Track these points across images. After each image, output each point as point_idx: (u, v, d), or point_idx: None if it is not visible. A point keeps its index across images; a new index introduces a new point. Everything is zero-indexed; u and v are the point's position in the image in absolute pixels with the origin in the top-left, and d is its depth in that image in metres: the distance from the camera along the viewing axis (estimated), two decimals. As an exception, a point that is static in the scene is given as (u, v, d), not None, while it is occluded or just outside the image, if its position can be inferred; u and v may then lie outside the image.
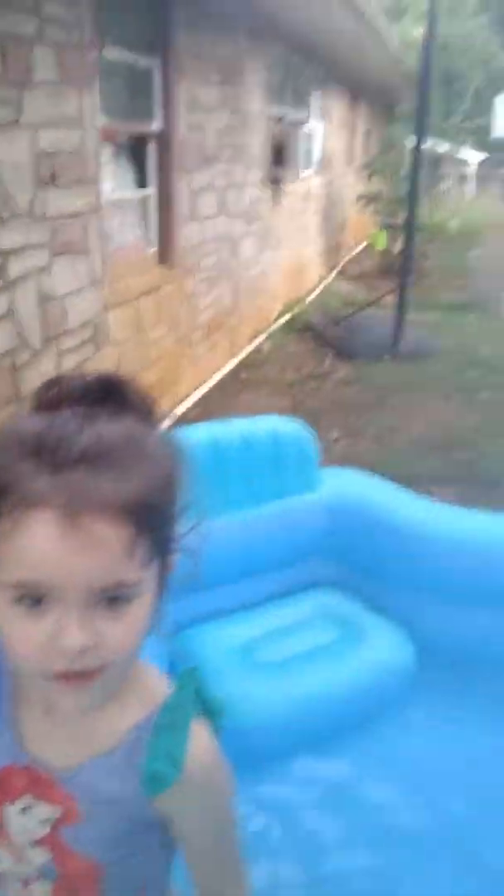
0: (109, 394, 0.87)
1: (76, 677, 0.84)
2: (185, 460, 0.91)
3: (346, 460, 5.17)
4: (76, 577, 0.80)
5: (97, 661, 0.84)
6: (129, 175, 5.29)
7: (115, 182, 5.06)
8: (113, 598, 0.83)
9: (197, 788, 0.96)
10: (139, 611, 0.86)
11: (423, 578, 2.97)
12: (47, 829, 0.96)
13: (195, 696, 0.98)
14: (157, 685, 1.00)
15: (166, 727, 0.95)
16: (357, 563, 3.17)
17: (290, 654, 2.74)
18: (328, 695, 2.60)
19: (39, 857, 0.98)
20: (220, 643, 2.75)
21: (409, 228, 7.99)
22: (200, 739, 0.96)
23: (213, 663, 2.63)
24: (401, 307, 7.94)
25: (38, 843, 0.97)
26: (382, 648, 2.80)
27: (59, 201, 3.94)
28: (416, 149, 7.87)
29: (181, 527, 0.92)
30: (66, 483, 0.79)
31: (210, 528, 2.59)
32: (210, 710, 1.00)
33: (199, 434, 2.89)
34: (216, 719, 1.00)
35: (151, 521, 0.83)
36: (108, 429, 0.82)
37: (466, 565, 2.90)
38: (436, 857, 2.21)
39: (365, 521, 3.11)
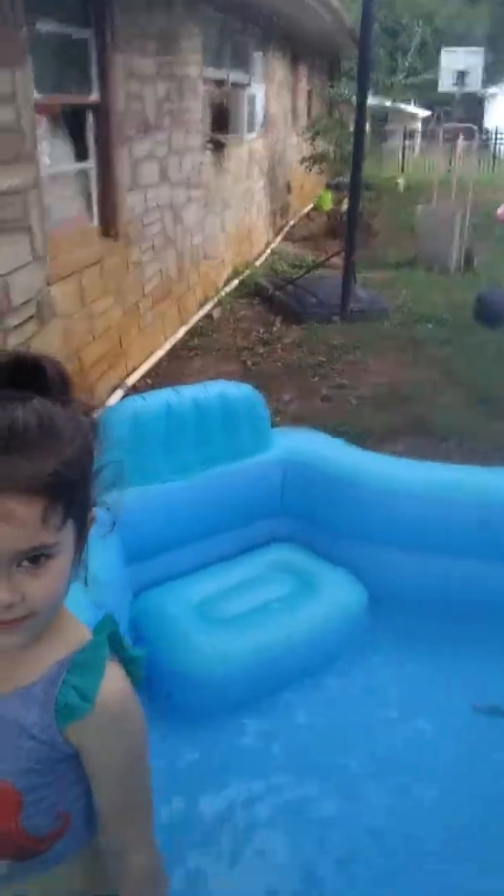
0: (22, 375, 0.95)
1: (5, 624, 0.96)
2: (101, 429, 1.02)
3: (298, 420, 5.30)
4: None
5: (24, 611, 0.96)
6: (68, 148, 5.29)
7: (54, 156, 5.05)
8: (33, 558, 0.94)
9: (106, 724, 1.06)
10: (59, 567, 0.97)
11: (374, 529, 3.11)
12: None
13: (110, 640, 1.09)
14: (80, 630, 1.11)
15: (82, 664, 1.06)
16: (311, 518, 3.30)
17: (250, 608, 2.88)
18: (288, 642, 2.75)
19: None
20: (181, 601, 2.87)
21: (355, 188, 8.03)
22: (113, 679, 1.07)
23: (176, 620, 2.74)
24: (348, 267, 8.01)
25: None
26: (337, 597, 2.96)
27: (-3, 178, 3.95)
28: (360, 106, 7.87)
29: (98, 487, 1.02)
30: None
31: (168, 492, 2.70)
32: (125, 660, 1.11)
33: (152, 402, 2.97)
34: (131, 669, 1.11)
35: (64, 493, 0.93)
36: (19, 413, 0.91)
37: (415, 514, 3.05)
38: (397, 792, 2.36)
39: (316, 477, 3.23)
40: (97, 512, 1.04)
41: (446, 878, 2.10)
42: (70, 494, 0.94)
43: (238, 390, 3.22)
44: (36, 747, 1.05)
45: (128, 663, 1.11)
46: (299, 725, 2.62)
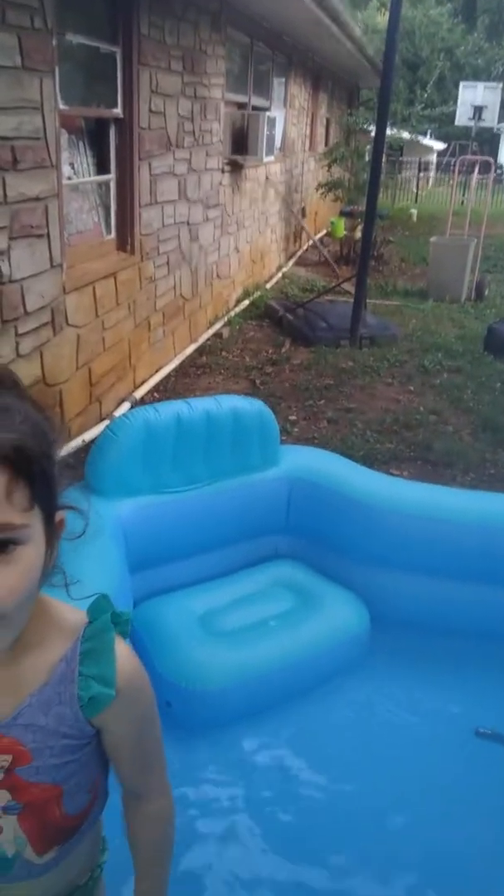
0: None
1: None
2: (56, 426, 1.01)
3: (303, 442, 5.30)
4: None
5: None
6: (88, 160, 5.33)
7: (74, 167, 5.10)
8: (2, 543, 0.91)
9: (127, 700, 1.08)
10: (28, 556, 0.93)
11: (377, 549, 3.10)
12: (1, 776, 1.05)
13: (111, 619, 1.09)
14: (75, 618, 1.10)
15: (92, 653, 1.06)
16: (315, 535, 3.30)
17: (250, 622, 2.88)
18: (288, 659, 2.74)
19: (0, 799, 1.06)
20: (181, 612, 2.86)
21: (370, 216, 8.08)
22: (124, 657, 1.08)
23: (177, 631, 2.74)
24: (359, 293, 8.04)
25: None
26: (339, 615, 2.95)
27: (19, 185, 3.98)
28: (378, 136, 7.94)
29: (62, 486, 1.01)
30: None
31: (175, 502, 2.69)
32: (119, 623, 1.10)
33: (164, 412, 2.97)
34: (124, 628, 1.11)
35: (25, 466, 0.91)
36: None
37: (419, 536, 3.04)
38: (395, 812, 2.34)
39: (322, 495, 3.23)
40: (66, 515, 1.03)
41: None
42: (33, 471, 0.92)
43: (250, 405, 3.23)
44: (68, 742, 1.06)
45: (119, 626, 1.10)
46: (297, 741, 2.61)
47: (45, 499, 0.96)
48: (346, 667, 2.86)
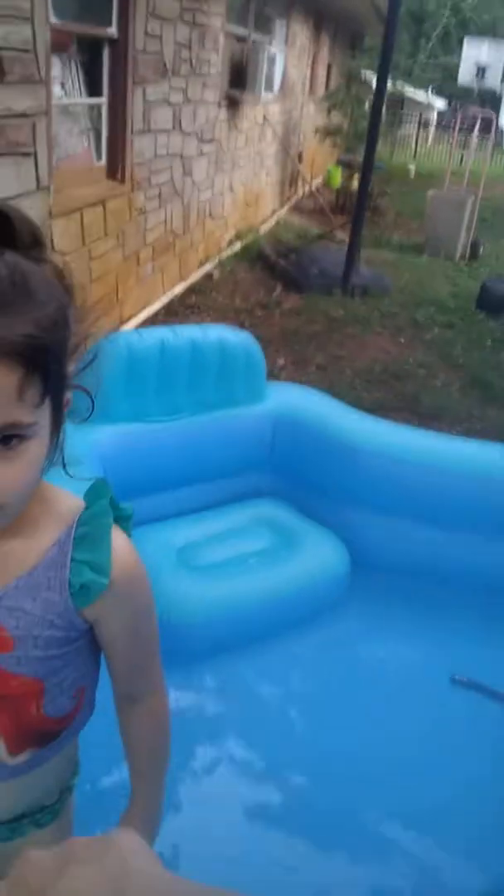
0: None
1: None
2: (74, 294, 0.89)
3: (290, 387, 5.18)
4: None
5: None
6: (80, 81, 5.11)
7: (65, 87, 4.88)
8: (6, 438, 0.82)
9: (122, 591, 0.99)
10: (34, 450, 0.86)
11: (360, 491, 3.02)
12: None
13: (109, 506, 1.00)
14: (72, 504, 1.01)
15: (86, 539, 0.97)
16: (298, 474, 3.21)
17: (228, 558, 2.80)
18: (265, 596, 2.66)
19: None
20: (160, 545, 2.78)
21: (367, 165, 7.89)
22: (120, 545, 0.99)
23: (153, 563, 2.62)
24: (353, 242, 7.88)
25: None
26: (319, 555, 2.87)
27: (6, 99, 3.78)
28: (379, 85, 7.72)
29: (74, 364, 0.91)
30: None
31: (156, 432, 2.58)
32: (121, 518, 1.02)
33: (147, 337, 2.85)
34: (126, 524, 1.03)
35: (41, 362, 0.80)
36: None
37: (402, 479, 2.95)
38: (364, 755, 2.27)
39: (307, 434, 3.13)
40: (72, 395, 0.93)
41: (418, 845, 2.06)
42: (48, 365, 0.81)
43: (237, 337, 3.11)
44: (55, 633, 0.97)
45: (121, 521, 1.02)
46: (273, 677, 2.58)
47: (57, 388, 0.86)
48: (324, 606, 2.79)
